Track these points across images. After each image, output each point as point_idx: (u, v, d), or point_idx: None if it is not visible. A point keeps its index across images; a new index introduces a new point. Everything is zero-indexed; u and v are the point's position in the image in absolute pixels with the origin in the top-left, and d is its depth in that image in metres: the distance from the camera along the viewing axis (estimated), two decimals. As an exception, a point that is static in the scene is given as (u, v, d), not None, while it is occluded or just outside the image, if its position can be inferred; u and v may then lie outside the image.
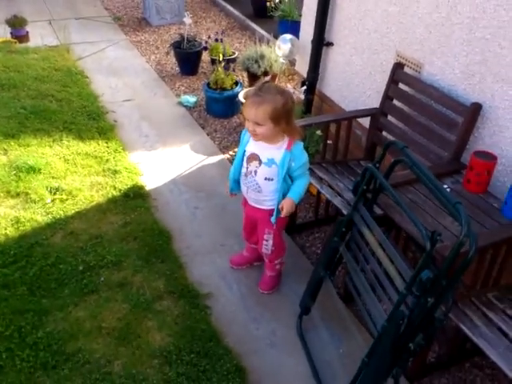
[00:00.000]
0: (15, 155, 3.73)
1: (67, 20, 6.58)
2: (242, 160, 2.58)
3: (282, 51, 4.30)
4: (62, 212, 3.26)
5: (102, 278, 2.79)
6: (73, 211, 3.29)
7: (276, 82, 4.51)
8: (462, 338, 2.33)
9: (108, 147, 4.01)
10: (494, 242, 2.13)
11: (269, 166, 2.48)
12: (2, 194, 3.35)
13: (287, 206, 2.51)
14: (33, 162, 3.62)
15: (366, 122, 3.38)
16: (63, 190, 3.43)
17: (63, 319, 2.55)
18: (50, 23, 6.50)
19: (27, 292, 2.67)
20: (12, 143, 3.87)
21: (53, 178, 3.56)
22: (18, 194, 3.36)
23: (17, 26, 5.78)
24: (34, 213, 3.22)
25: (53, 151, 3.86)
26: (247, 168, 2.56)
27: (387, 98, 3.14)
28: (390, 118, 3.17)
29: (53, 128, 4.13)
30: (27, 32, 5.90)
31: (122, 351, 2.42)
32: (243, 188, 2.67)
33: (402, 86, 3.09)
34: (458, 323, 2.04)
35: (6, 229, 3.08)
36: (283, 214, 2.52)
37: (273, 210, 2.58)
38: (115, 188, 3.55)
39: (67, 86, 4.85)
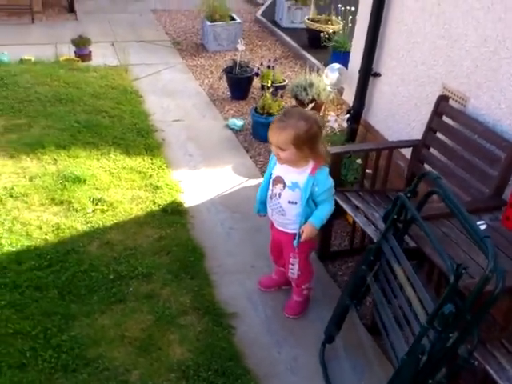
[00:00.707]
0: (64, 165, 3.90)
1: (129, 42, 6.90)
2: (269, 182, 2.61)
3: (329, 80, 4.33)
4: (100, 222, 3.37)
5: (131, 289, 2.84)
6: (111, 222, 3.39)
7: (323, 111, 4.53)
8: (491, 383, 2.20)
9: (152, 163, 4.13)
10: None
11: (292, 190, 2.50)
12: (46, 201, 3.50)
13: (307, 230, 2.51)
14: (79, 172, 3.77)
15: (408, 153, 3.33)
16: (105, 202, 3.55)
17: (88, 325, 2.61)
18: (113, 44, 6.84)
19: (58, 296, 2.75)
20: (62, 154, 4.05)
21: (96, 189, 3.69)
22: (61, 202, 3.50)
23: (80, 45, 6.13)
24: (74, 221, 3.34)
25: (99, 164, 4.01)
26: (272, 190, 2.59)
27: (430, 130, 3.09)
28: (432, 150, 3.11)
29: (102, 142, 4.31)
30: (90, 51, 6.23)
31: (141, 362, 2.44)
32: (269, 210, 2.69)
33: (445, 118, 3.03)
34: (484, 364, 1.93)
35: (46, 234, 3.20)
36: (303, 238, 2.52)
37: (296, 233, 2.57)
38: (155, 203, 3.63)
39: (121, 104, 5.06)
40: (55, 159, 3.98)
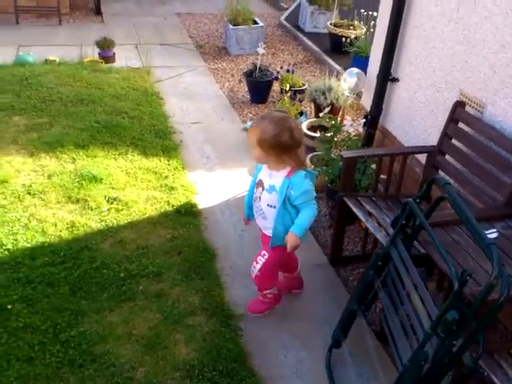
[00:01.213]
0: (82, 164, 3.97)
1: (152, 45, 6.99)
2: (254, 187, 2.64)
3: (347, 84, 4.31)
4: (115, 221, 3.42)
5: (141, 287, 2.87)
6: (125, 221, 3.43)
7: (340, 115, 4.51)
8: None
9: (169, 165, 4.17)
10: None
11: (269, 193, 2.51)
12: (63, 199, 3.57)
13: (290, 241, 2.48)
14: (96, 172, 3.83)
15: (424, 159, 3.29)
16: (120, 201, 3.60)
17: (97, 322, 2.64)
18: (136, 47, 6.94)
19: (69, 292, 2.80)
20: (81, 153, 4.13)
21: (112, 188, 3.74)
22: (77, 201, 3.57)
23: (104, 47, 6.24)
24: (89, 219, 3.39)
25: (117, 164, 4.07)
26: (255, 194, 2.62)
27: (445, 136, 3.05)
28: (447, 156, 3.07)
29: (121, 142, 4.37)
30: (113, 53, 6.33)
31: (147, 359, 2.46)
32: (255, 214, 2.70)
33: (461, 125, 2.99)
34: (489, 373, 1.89)
35: (60, 231, 3.26)
36: (288, 249, 2.50)
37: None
38: (169, 203, 3.67)
39: (141, 105, 5.13)
40: (74, 158, 4.05)
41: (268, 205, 2.54)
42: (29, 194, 3.58)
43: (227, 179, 4.14)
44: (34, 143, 4.21)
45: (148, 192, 3.78)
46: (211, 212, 3.70)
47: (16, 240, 3.13)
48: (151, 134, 4.60)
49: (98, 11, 8.21)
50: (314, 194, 2.52)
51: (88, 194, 3.61)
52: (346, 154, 3.11)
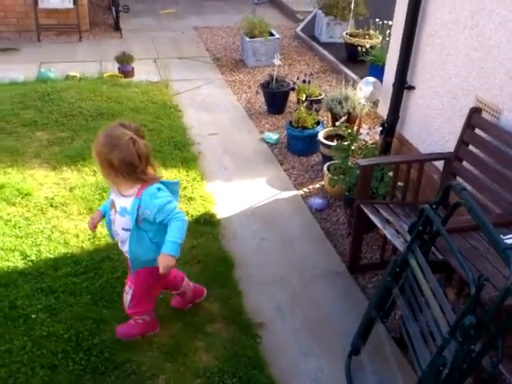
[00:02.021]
0: (102, 177, 4.03)
1: (171, 59, 7.10)
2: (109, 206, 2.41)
3: (363, 93, 4.33)
4: (135, 231, 3.47)
5: (161, 296, 2.90)
6: (146, 231, 3.48)
7: (357, 124, 4.52)
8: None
9: (188, 175, 4.22)
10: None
11: (122, 216, 2.29)
12: (84, 211, 3.65)
13: (161, 262, 2.24)
14: (117, 183, 3.90)
15: (442, 166, 3.28)
16: (140, 212, 3.65)
17: (119, 330, 2.69)
18: (155, 61, 7.06)
19: (91, 301, 2.86)
20: (102, 166, 4.20)
21: (133, 199, 3.80)
22: (99, 212, 3.63)
23: (124, 62, 6.36)
24: (110, 230, 3.46)
25: (137, 176, 4.13)
26: (110, 216, 2.39)
27: (462, 142, 3.05)
28: (464, 163, 3.06)
29: (141, 155, 4.43)
30: (132, 68, 6.46)
31: (168, 367, 2.51)
32: (115, 238, 2.47)
33: (478, 131, 2.99)
34: (510, 379, 1.88)
35: (83, 242, 3.34)
36: (161, 271, 2.25)
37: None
38: (188, 213, 3.71)
39: (160, 118, 5.21)
40: (94, 171, 4.13)
41: (123, 228, 2.33)
42: (51, 206, 3.67)
43: (245, 189, 4.18)
44: (56, 157, 4.32)
45: (167, 203, 3.83)
46: (229, 221, 3.74)
47: (39, 251, 3.21)
48: (170, 146, 4.67)
49: (117, 27, 8.38)
50: (175, 204, 2.28)
51: (109, 206, 3.68)
52: (363, 161, 3.13)
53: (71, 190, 3.88)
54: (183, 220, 2.27)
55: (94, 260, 3.15)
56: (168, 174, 4.19)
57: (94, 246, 3.30)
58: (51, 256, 3.18)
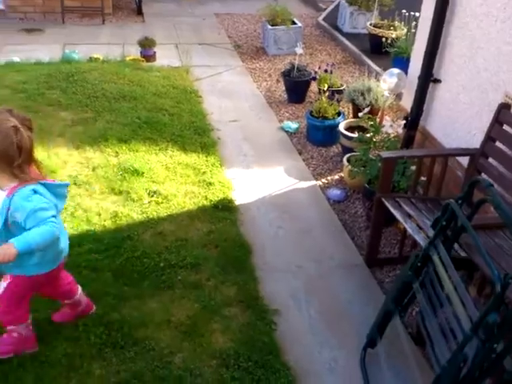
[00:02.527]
0: (124, 158, 4.09)
1: (192, 45, 7.09)
2: None
3: (387, 85, 4.29)
4: (155, 213, 3.51)
5: (179, 277, 2.95)
6: (165, 214, 3.52)
7: (379, 116, 4.48)
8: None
9: (207, 161, 4.24)
10: None
11: None
12: (107, 190, 3.70)
13: (3, 248, 1.93)
14: (138, 166, 3.95)
15: (466, 162, 3.25)
16: (160, 194, 3.69)
17: (138, 307, 2.74)
18: (177, 46, 7.06)
19: (111, 278, 2.91)
20: (124, 147, 4.24)
21: (153, 182, 3.84)
22: (120, 192, 3.69)
23: (146, 46, 6.39)
24: (131, 210, 3.50)
25: (157, 159, 4.17)
26: None
27: (489, 138, 3.01)
28: (490, 159, 3.03)
29: (161, 138, 4.47)
30: (154, 52, 6.48)
31: (185, 346, 2.55)
32: None
33: (506, 127, 2.95)
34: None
35: (104, 220, 3.39)
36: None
37: None
38: (206, 198, 3.74)
39: (181, 103, 5.22)
40: (117, 152, 4.18)
41: None
42: (75, 184, 3.72)
43: (263, 177, 4.18)
44: (79, 137, 4.36)
45: (186, 186, 3.86)
46: (247, 208, 3.75)
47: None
48: (190, 131, 4.69)
49: (139, 11, 8.39)
50: (51, 214, 1.99)
51: (130, 187, 3.73)
52: (385, 154, 3.11)
53: (94, 169, 3.93)
54: (53, 231, 1.97)
55: (116, 238, 3.19)
56: (188, 159, 4.22)
57: (116, 225, 3.34)
58: (74, 232, 3.23)
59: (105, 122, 4.62)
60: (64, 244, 2.28)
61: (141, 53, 6.43)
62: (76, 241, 3.12)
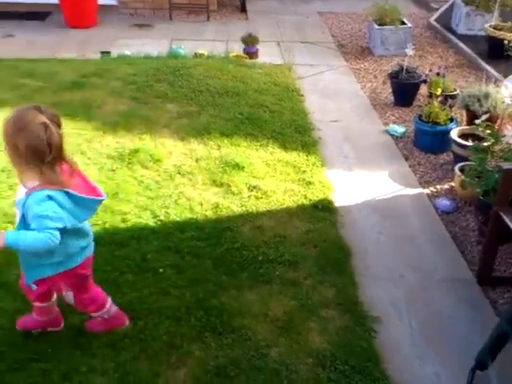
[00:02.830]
0: (226, 152, 4.14)
1: (294, 43, 7.06)
2: None
3: (509, 91, 3.99)
4: (254, 207, 3.51)
5: (277, 273, 2.92)
6: (264, 209, 3.51)
7: (498, 124, 4.17)
8: None
9: (307, 160, 4.18)
10: None
11: (17, 209, 2.05)
12: (208, 182, 3.77)
13: None
14: (239, 160, 3.98)
15: None
16: (259, 189, 3.69)
17: (236, 297, 2.76)
18: (279, 44, 7.07)
19: (211, 266, 2.96)
20: (225, 141, 4.30)
21: (253, 177, 3.85)
22: (221, 184, 3.73)
23: (249, 43, 6.46)
24: (231, 202, 3.53)
25: (258, 154, 4.17)
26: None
27: None
28: None
29: (262, 135, 4.47)
30: (257, 49, 6.53)
31: (281, 341, 2.52)
32: None
33: None
34: None
35: (206, 211, 3.45)
36: None
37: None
38: (306, 197, 3.68)
39: (282, 100, 5.20)
40: (219, 145, 4.24)
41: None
42: (179, 173, 3.83)
43: (365, 180, 4.05)
44: (184, 129, 4.47)
45: (286, 184, 3.82)
46: (348, 211, 3.64)
47: (167, 213, 3.38)
48: (291, 129, 4.65)
49: (243, 9, 8.52)
50: (55, 224, 1.95)
51: (231, 180, 3.77)
52: (507, 165, 2.89)
53: (197, 160, 4.01)
54: (48, 241, 1.95)
55: (216, 229, 3.24)
56: (288, 157, 4.18)
57: (217, 216, 3.39)
58: (178, 219, 3.32)
59: (208, 116, 4.71)
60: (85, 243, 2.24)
61: (244, 49, 6.51)
62: (179, 227, 3.22)
